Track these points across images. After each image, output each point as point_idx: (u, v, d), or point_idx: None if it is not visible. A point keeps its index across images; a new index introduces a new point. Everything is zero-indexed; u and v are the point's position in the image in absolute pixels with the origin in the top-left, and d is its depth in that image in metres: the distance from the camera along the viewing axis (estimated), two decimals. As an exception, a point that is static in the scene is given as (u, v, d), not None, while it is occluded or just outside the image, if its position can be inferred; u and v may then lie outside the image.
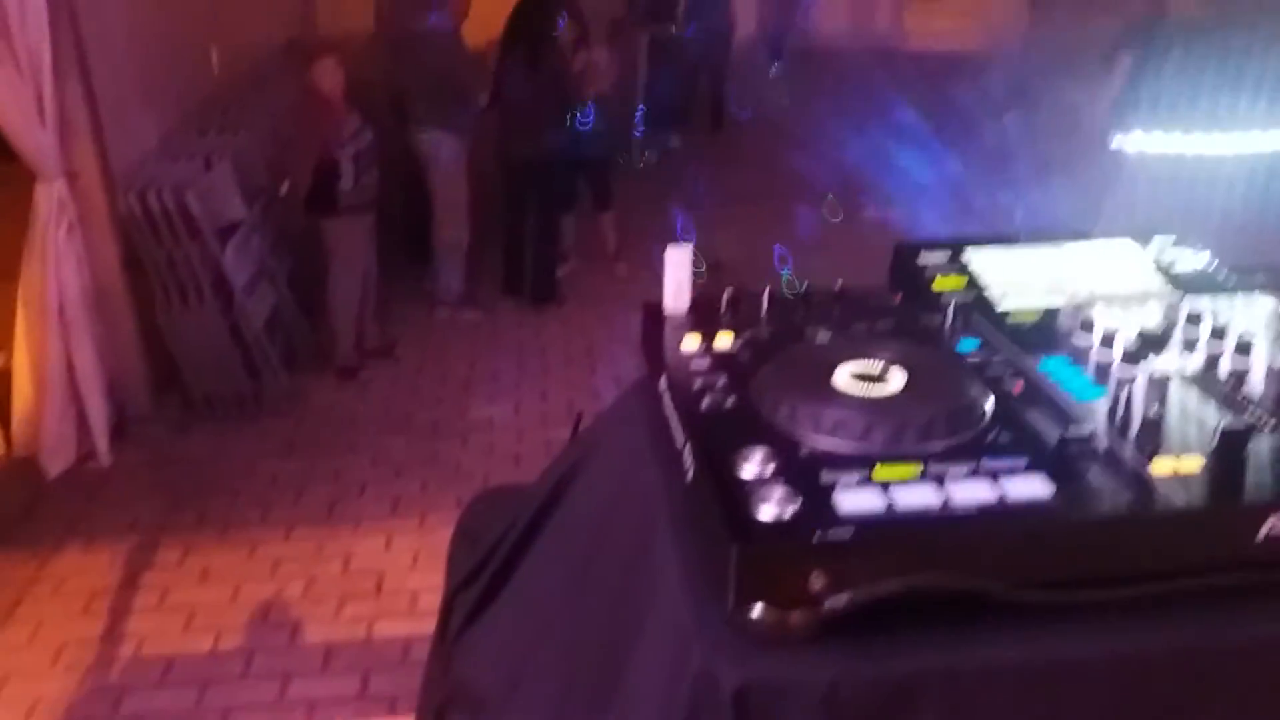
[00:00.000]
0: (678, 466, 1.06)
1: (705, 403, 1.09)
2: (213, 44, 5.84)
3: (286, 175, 5.18)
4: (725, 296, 1.29)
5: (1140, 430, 1.00)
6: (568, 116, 5.88)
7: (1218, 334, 1.14)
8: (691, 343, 1.22)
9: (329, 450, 4.73)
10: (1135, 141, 4.60)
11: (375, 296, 5.51)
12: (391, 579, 3.84)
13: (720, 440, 1.00)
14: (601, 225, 6.65)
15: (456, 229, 5.90)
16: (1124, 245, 1.35)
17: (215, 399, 4.89)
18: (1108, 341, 1.13)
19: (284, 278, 5.38)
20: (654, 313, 1.30)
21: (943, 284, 1.31)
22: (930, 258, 1.35)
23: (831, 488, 0.93)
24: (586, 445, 1.42)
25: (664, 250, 1.29)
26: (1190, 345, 1.16)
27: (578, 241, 6.73)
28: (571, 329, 6.03)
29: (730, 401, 1.08)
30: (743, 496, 0.91)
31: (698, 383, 1.12)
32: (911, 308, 1.30)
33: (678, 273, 1.29)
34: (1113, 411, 1.03)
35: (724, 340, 1.22)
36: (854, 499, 0.91)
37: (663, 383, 1.17)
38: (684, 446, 1.05)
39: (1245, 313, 1.23)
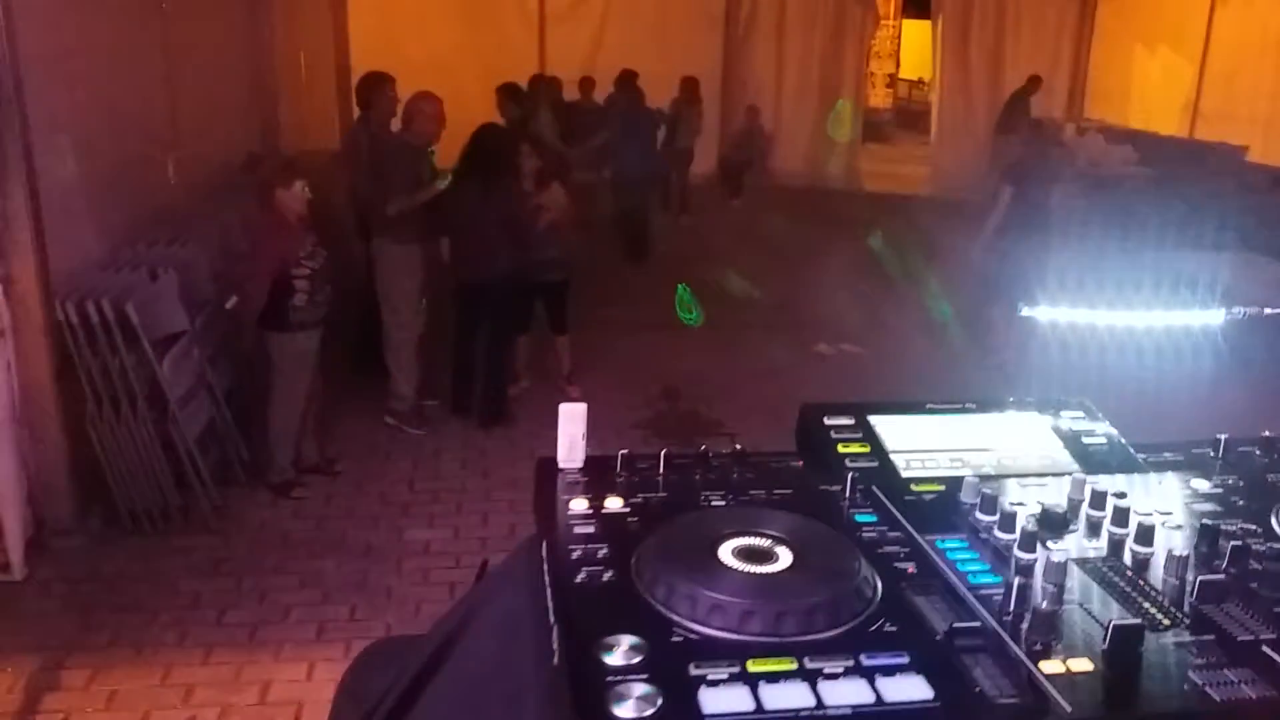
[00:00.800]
0: (550, 642, 1.00)
1: (581, 575, 1.03)
2: (170, 155, 5.85)
3: (235, 288, 5.13)
4: (620, 456, 1.24)
5: (1032, 623, 0.95)
6: (520, 243, 5.92)
7: (1120, 518, 1.10)
8: (581, 504, 1.17)
9: (256, 570, 4.56)
10: (1044, 312, 4.75)
11: (317, 413, 5.41)
12: (310, 711, 3.65)
13: (590, 621, 0.94)
14: (557, 347, 6.67)
15: (400, 329, 5.87)
16: (1030, 417, 1.32)
17: (141, 513, 4.72)
18: (1007, 524, 1.09)
19: (223, 391, 5.28)
20: (547, 469, 1.25)
21: (847, 449, 1.27)
22: (836, 421, 1.32)
23: (699, 683, 0.86)
24: (474, 603, 1.34)
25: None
26: (1093, 529, 1.12)
27: (534, 362, 6.72)
28: (519, 450, 5.93)
29: (608, 575, 1.02)
30: (602, 689, 0.85)
31: (578, 552, 1.06)
32: (813, 474, 1.25)
33: (571, 429, 1.24)
34: (1006, 599, 0.98)
35: (614, 503, 1.17)
36: (720, 698, 0.85)
37: (544, 547, 1.11)
38: (554, 626, 0.98)
39: (1151, 494, 1.19)
